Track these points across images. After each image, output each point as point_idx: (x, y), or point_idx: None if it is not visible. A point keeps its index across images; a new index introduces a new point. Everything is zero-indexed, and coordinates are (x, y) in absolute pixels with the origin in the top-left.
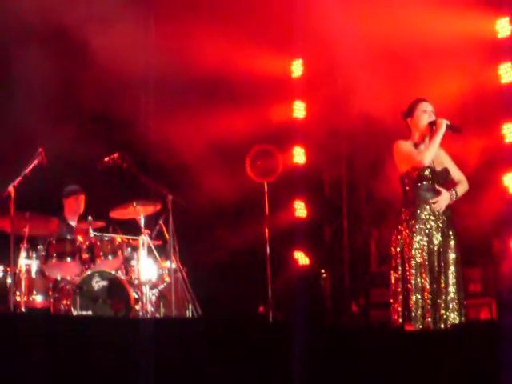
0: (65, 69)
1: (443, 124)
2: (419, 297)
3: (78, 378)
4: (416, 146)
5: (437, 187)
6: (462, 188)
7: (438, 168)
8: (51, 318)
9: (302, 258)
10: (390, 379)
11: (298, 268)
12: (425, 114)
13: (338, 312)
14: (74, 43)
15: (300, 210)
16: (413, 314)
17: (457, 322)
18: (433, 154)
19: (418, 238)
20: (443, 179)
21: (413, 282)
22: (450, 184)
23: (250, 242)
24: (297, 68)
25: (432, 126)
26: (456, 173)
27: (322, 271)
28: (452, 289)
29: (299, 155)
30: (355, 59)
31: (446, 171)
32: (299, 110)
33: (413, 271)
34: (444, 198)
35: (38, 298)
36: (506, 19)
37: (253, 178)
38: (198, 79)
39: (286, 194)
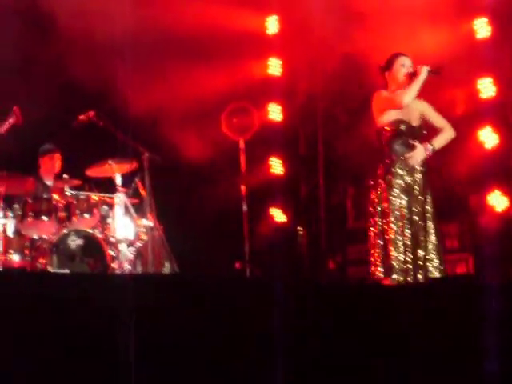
0: (38, 29)
1: (424, 70)
2: (399, 251)
3: (57, 337)
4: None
5: (411, 141)
6: (445, 137)
7: (415, 123)
8: (28, 276)
9: (278, 215)
10: (369, 333)
11: (275, 225)
12: (403, 68)
13: (315, 269)
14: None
15: (276, 167)
16: (393, 269)
17: (437, 275)
18: (413, 95)
19: (395, 192)
20: (419, 134)
21: (392, 236)
22: (425, 138)
23: (227, 199)
24: (272, 24)
25: (411, 75)
26: (439, 121)
27: (299, 228)
28: (432, 242)
29: (275, 112)
30: (331, 15)
31: (421, 126)
32: (275, 66)
33: (392, 225)
34: (419, 152)
35: (15, 257)
36: None
37: (229, 135)
38: (172, 36)
39: (263, 151)
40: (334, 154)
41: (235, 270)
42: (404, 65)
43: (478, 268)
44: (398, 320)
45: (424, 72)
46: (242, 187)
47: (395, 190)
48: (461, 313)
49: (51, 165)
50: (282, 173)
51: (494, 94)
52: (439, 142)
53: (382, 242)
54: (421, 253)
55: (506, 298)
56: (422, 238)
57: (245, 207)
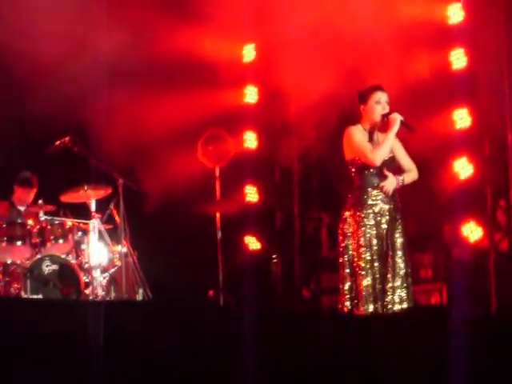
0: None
1: (397, 121)
2: (369, 281)
3: (28, 363)
4: (368, 134)
5: (384, 171)
6: (411, 176)
7: (386, 157)
8: (1, 302)
9: (253, 243)
10: (339, 364)
11: (249, 253)
12: (378, 105)
13: (288, 297)
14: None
15: (251, 194)
16: (363, 299)
17: (404, 306)
18: (385, 153)
19: (365, 222)
20: (390, 166)
21: (363, 266)
22: (396, 171)
23: (201, 226)
24: (249, 52)
25: (384, 118)
26: (406, 161)
27: (273, 256)
28: (400, 273)
29: (251, 140)
30: (307, 44)
31: (392, 159)
32: (251, 94)
33: (362, 256)
34: (390, 182)
35: None
36: (458, 5)
37: (204, 163)
38: (149, 64)
39: (238, 178)
40: (310, 182)
41: (208, 297)
42: (379, 102)
43: (450, 299)
44: (370, 350)
45: (397, 124)
46: (217, 215)
47: (365, 219)
48: (431, 344)
49: (26, 197)
50: (256, 200)
51: (469, 124)
52: (407, 178)
53: (352, 272)
54: (390, 283)
55: (476, 330)
56: (391, 269)
57: (219, 235)
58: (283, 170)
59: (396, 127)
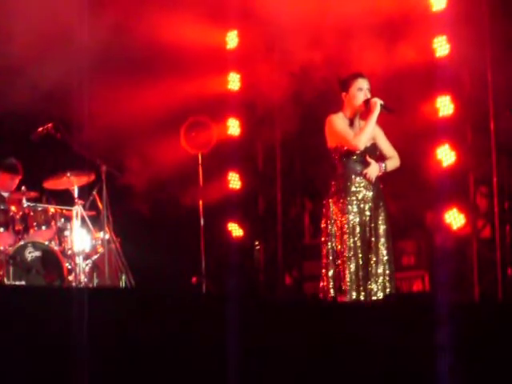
0: None
1: (377, 105)
2: (352, 268)
3: (11, 349)
4: (349, 121)
5: (367, 159)
6: (393, 163)
7: (368, 143)
8: None
9: (235, 230)
10: (324, 351)
11: (232, 239)
12: (360, 92)
13: (271, 284)
14: None
15: (234, 181)
16: (346, 286)
17: (386, 292)
18: (368, 137)
19: (348, 209)
20: (372, 153)
21: (346, 253)
22: (378, 158)
23: (184, 212)
24: (232, 39)
25: (366, 104)
26: (388, 149)
27: (256, 243)
28: (383, 260)
29: (234, 127)
30: (291, 31)
31: (374, 146)
32: (234, 81)
33: (346, 243)
34: (373, 169)
35: None
36: None
37: (187, 149)
38: (132, 50)
39: (221, 165)
40: (292, 168)
41: (191, 284)
42: (361, 88)
43: (433, 286)
44: (354, 337)
45: (378, 108)
46: (200, 201)
47: (348, 206)
48: (414, 331)
49: (10, 183)
50: (239, 187)
51: (452, 111)
52: (389, 165)
53: (335, 259)
54: (373, 270)
55: (459, 317)
56: (374, 256)
57: (202, 221)
58: (266, 156)
59: (377, 111)
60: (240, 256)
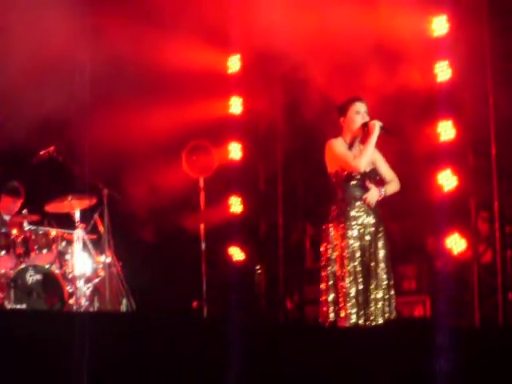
0: None
1: (376, 127)
2: (352, 293)
3: (11, 373)
4: (348, 145)
5: (367, 184)
6: (392, 187)
7: (368, 168)
8: None
9: (237, 254)
10: (325, 375)
11: (233, 264)
12: (358, 115)
13: (272, 308)
14: None
15: (235, 205)
16: (346, 311)
17: (387, 318)
18: (367, 160)
19: (348, 234)
20: (372, 178)
21: (346, 278)
22: (378, 183)
23: (185, 236)
24: (234, 63)
25: (365, 126)
26: (387, 172)
27: (257, 267)
28: (383, 285)
29: (235, 151)
30: (293, 55)
31: (374, 171)
32: (236, 105)
33: (346, 267)
34: (373, 194)
35: None
36: (443, 17)
37: (189, 174)
38: (135, 74)
39: (222, 189)
40: (294, 193)
41: (192, 309)
42: (359, 112)
43: (434, 311)
44: (353, 362)
45: (376, 129)
46: (201, 225)
47: (348, 231)
48: (414, 355)
49: (12, 206)
50: (240, 211)
51: (453, 136)
52: (389, 189)
53: (335, 284)
54: (372, 295)
55: (460, 342)
56: (374, 281)
57: (203, 245)
58: (267, 180)
59: (376, 133)
60: (241, 280)
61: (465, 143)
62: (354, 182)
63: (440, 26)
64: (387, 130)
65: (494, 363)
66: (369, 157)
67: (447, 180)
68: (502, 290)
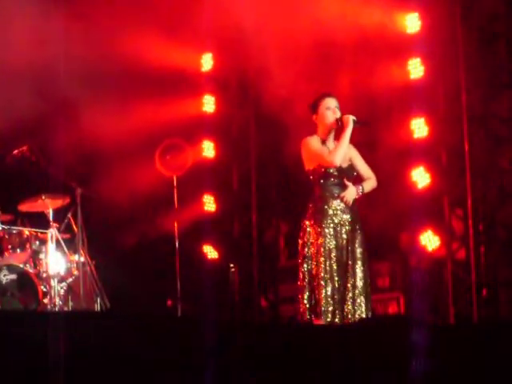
0: None
1: (350, 121)
2: (329, 291)
3: None
4: (323, 142)
5: (345, 181)
6: (370, 184)
7: (344, 164)
8: None
9: (210, 252)
10: (299, 373)
11: (207, 262)
12: (328, 111)
13: (246, 306)
14: None
15: (209, 203)
16: (322, 309)
17: (363, 316)
18: (343, 154)
19: (325, 232)
20: (349, 175)
21: (322, 275)
22: (355, 180)
23: (159, 235)
24: (206, 62)
25: (338, 122)
26: (365, 169)
27: (231, 265)
28: (359, 283)
29: (208, 149)
30: (266, 53)
31: (351, 167)
32: (209, 103)
33: (322, 266)
34: (350, 192)
35: None
36: (415, 15)
37: (162, 172)
38: (107, 72)
39: (196, 187)
40: (268, 191)
41: (167, 307)
42: (329, 107)
43: (408, 308)
44: (329, 360)
45: (350, 124)
46: (175, 224)
47: (325, 230)
48: (389, 353)
49: None
50: (214, 209)
51: (426, 133)
52: (366, 186)
53: (311, 282)
54: (349, 293)
55: (434, 339)
56: (351, 279)
57: (177, 244)
58: (241, 178)
59: (350, 127)
60: (215, 278)
61: (438, 141)
62: (331, 180)
63: (412, 23)
64: (361, 123)
65: (469, 360)
66: (344, 151)
67: (420, 177)
68: (475, 286)
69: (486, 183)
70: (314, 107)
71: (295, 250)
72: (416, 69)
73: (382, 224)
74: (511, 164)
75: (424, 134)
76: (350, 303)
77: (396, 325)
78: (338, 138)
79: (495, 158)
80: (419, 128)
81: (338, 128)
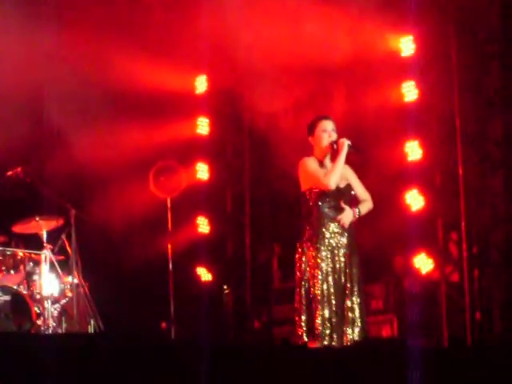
0: None
1: (345, 145)
2: (326, 314)
3: None
4: (320, 163)
5: (342, 204)
6: (366, 206)
7: (342, 185)
8: None
9: (204, 274)
10: None
11: (201, 284)
12: (325, 133)
13: (240, 328)
14: None
15: (203, 225)
16: (319, 332)
17: (359, 338)
18: (338, 177)
19: (322, 255)
20: (346, 196)
21: (319, 298)
22: (352, 201)
23: (153, 257)
24: (201, 84)
25: (333, 145)
26: (361, 191)
27: (225, 287)
28: (356, 306)
29: (202, 171)
30: (260, 75)
31: (349, 187)
32: (203, 125)
33: (319, 288)
34: (347, 215)
35: None
36: (410, 38)
37: (156, 194)
38: (102, 94)
39: (189, 209)
40: (261, 213)
41: (161, 329)
42: (326, 130)
43: (401, 330)
44: (326, 382)
45: (345, 148)
46: (169, 246)
47: (322, 253)
48: (384, 376)
49: None
50: (207, 231)
51: (420, 156)
52: (363, 209)
53: (308, 304)
54: (348, 315)
55: (428, 361)
56: (348, 301)
57: (170, 266)
58: (235, 201)
59: (344, 151)
60: (209, 300)
61: (432, 163)
62: (328, 202)
63: (407, 46)
64: (356, 148)
65: (463, 383)
66: (338, 174)
67: (414, 200)
68: (469, 309)
69: (480, 206)
70: (311, 129)
71: (289, 272)
72: (410, 92)
73: (376, 246)
74: (505, 187)
75: (418, 157)
76: (349, 326)
77: (390, 348)
78: (333, 159)
79: (489, 181)
80: (413, 151)
81: (334, 151)
